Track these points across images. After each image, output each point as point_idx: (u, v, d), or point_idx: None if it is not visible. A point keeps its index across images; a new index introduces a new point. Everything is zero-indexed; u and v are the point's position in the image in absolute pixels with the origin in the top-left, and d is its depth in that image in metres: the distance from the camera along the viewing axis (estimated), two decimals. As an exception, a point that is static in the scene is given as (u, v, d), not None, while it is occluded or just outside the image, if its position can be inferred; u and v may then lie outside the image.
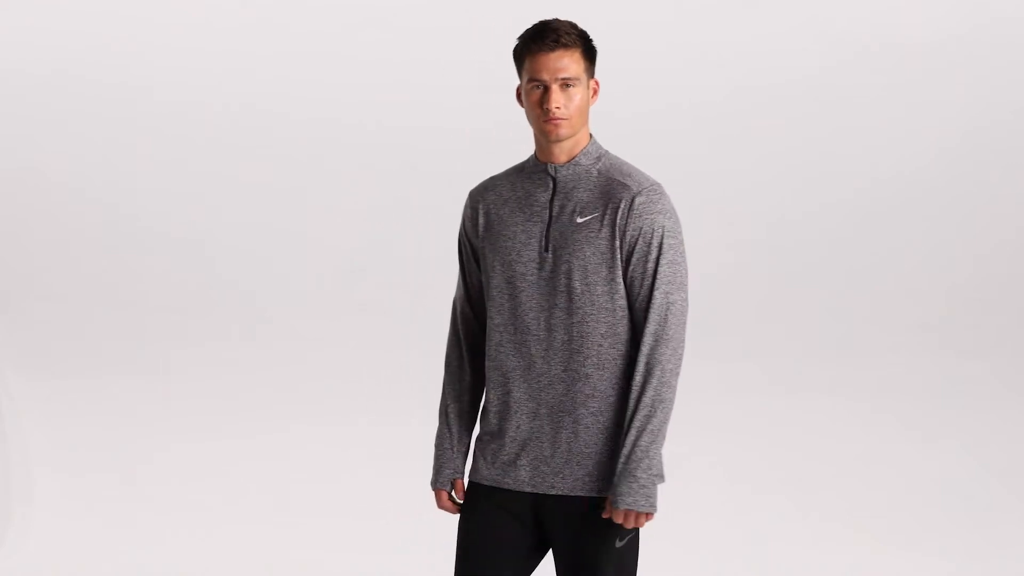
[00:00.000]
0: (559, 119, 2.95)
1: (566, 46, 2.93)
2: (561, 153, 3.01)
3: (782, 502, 5.63)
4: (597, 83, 3.01)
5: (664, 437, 2.93)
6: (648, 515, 2.94)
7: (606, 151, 3.05)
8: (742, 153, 5.80)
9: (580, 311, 2.96)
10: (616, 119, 5.70)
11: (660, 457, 2.93)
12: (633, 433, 2.90)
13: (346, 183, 5.75)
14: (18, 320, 5.75)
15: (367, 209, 5.75)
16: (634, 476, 2.89)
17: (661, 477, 2.93)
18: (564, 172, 3.01)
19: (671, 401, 2.95)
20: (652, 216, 2.97)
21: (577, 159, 3.01)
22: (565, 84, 2.94)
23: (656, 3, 5.71)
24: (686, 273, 3.03)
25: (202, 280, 5.75)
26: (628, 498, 2.89)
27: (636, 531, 2.99)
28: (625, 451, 2.90)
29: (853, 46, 5.77)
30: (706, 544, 5.48)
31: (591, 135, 3.05)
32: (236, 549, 5.46)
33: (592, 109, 3.04)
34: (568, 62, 2.93)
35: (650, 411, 2.91)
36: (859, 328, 5.83)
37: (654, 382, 2.93)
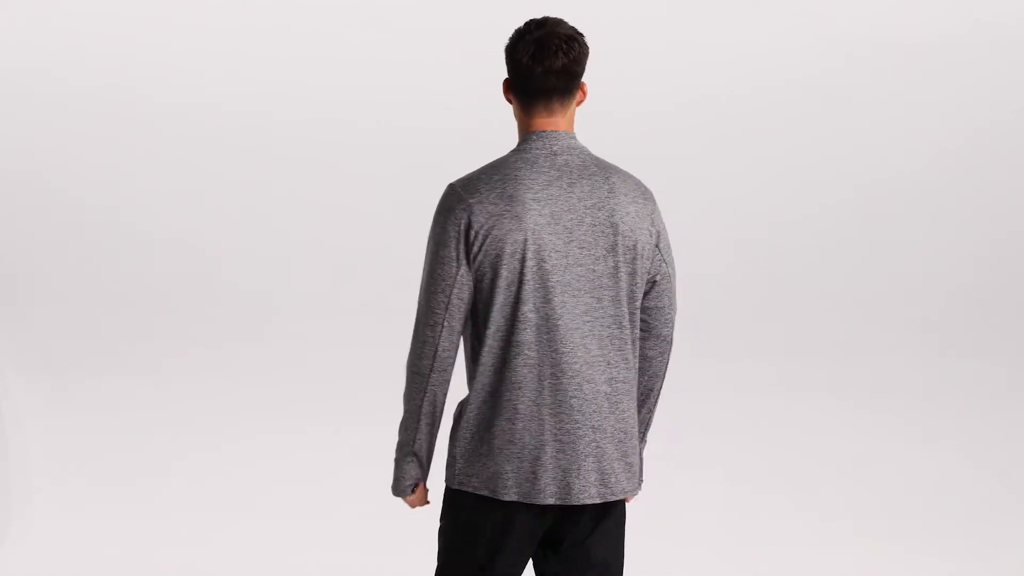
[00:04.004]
0: None
1: None
2: None
3: (782, 502, 5.64)
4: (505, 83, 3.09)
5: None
6: None
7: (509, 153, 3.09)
8: (742, 154, 5.80)
9: None
10: (616, 119, 5.74)
11: None
12: None
13: (346, 183, 5.75)
14: (18, 320, 5.76)
15: (367, 209, 5.76)
16: None
17: None
18: None
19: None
20: None
21: None
22: None
23: (656, 3, 5.72)
24: (424, 280, 3.02)
25: (202, 280, 5.76)
26: None
27: (445, 510, 3.13)
28: None
29: (853, 46, 5.77)
30: (706, 544, 5.49)
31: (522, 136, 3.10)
32: (238, 550, 5.46)
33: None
34: None
35: None
36: (859, 328, 5.84)
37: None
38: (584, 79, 3.05)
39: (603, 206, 2.99)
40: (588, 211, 2.98)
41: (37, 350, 5.76)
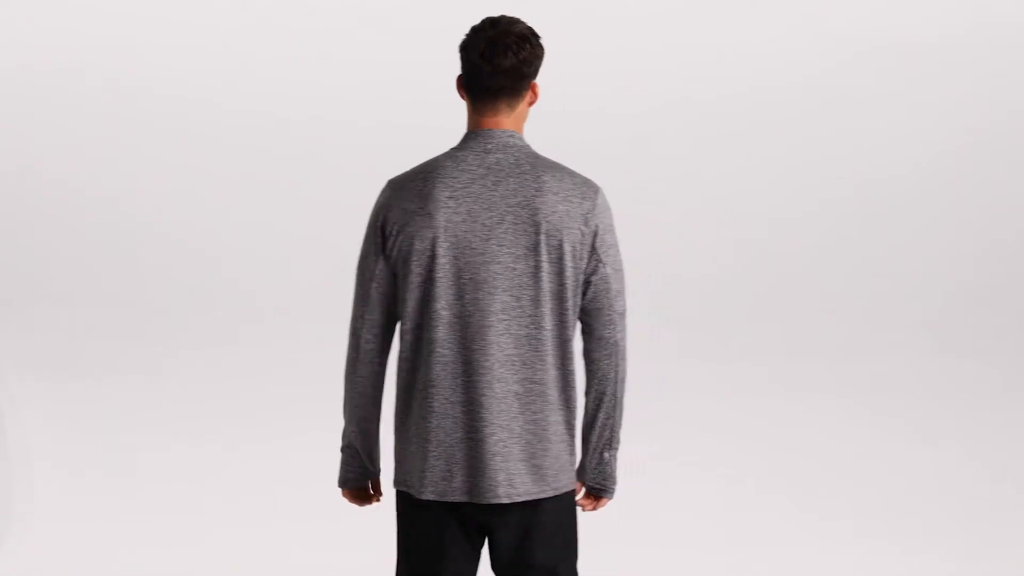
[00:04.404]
0: None
1: None
2: None
3: (782, 502, 5.63)
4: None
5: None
6: None
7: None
8: (742, 153, 5.80)
9: None
10: (615, 119, 5.73)
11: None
12: None
13: (347, 183, 5.74)
14: (18, 321, 5.75)
15: (368, 209, 5.74)
16: None
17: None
18: None
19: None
20: None
21: None
22: None
23: (656, 3, 5.71)
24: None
25: (202, 280, 5.75)
26: None
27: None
28: None
29: (853, 46, 5.77)
30: (705, 544, 5.48)
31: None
32: (237, 550, 5.46)
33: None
34: None
35: None
36: (859, 328, 5.83)
37: None
38: (539, 80, 3.03)
39: (527, 204, 2.95)
40: (510, 209, 2.95)
41: (37, 350, 5.76)
